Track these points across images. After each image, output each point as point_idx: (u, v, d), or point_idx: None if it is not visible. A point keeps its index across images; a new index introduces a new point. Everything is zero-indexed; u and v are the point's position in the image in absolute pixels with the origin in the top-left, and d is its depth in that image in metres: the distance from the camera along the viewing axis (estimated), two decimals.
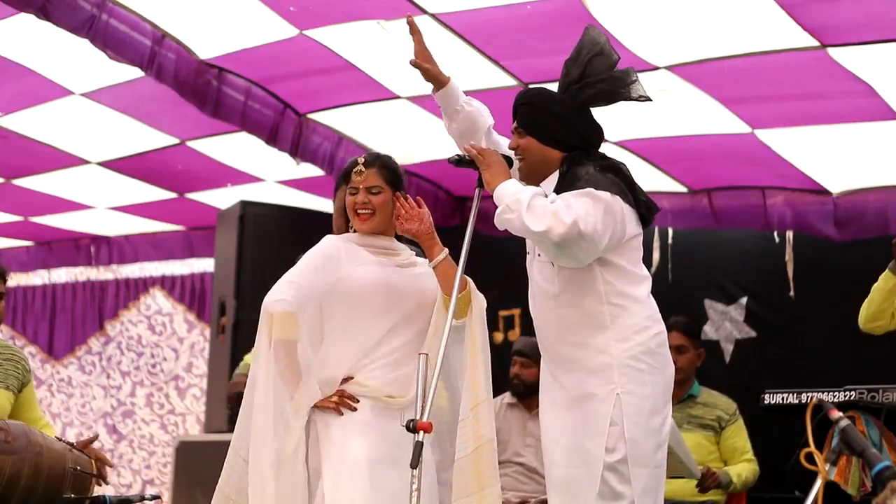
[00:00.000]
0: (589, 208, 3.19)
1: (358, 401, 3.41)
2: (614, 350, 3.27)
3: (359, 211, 3.56)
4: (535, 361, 5.68)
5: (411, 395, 3.38)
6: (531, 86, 5.47)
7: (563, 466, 3.30)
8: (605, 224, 3.21)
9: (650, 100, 3.46)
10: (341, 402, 3.41)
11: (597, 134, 3.51)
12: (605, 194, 3.25)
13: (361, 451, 3.37)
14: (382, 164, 3.60)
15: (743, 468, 5.26)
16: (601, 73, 3.42)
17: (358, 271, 3.50)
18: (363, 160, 3.60)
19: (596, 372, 3.27)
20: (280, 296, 3.43)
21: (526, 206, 3.18)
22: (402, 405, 3.43)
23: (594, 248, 3.22)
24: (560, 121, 3.43)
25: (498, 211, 3.26)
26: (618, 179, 3.33)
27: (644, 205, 3.40)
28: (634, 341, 3.29)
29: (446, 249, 3.51)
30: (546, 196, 3.28)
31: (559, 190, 3.32)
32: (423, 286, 3.55)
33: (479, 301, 3.52)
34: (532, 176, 3.44)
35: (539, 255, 3.42)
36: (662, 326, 3.37)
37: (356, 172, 3.56)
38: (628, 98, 3.44)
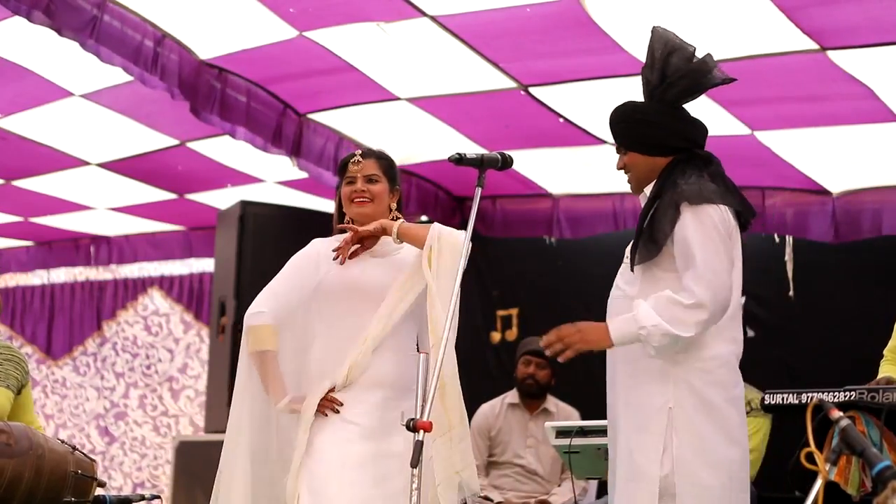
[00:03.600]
0: (709, 252, 3.15)
1: (342, 403, 3.44)
2: (672, 364, 3.21)
3: (356, 199, 3.59)
4: (550, 363, 5.68)
5: (385, 371, 3.42)
6: (529, 88, 5.49)
7: (623, 481, 3.24)
8: (725, 249, 3.19)
9: (734, 79, 3.42)
10: (325, 405, 3.45)
11: (699, 131, 3.44)
12: (712, 210, 3.21)
13: (337, 452, 3.41)
14: (380, 155, 3.67)
15: None
16: (681, 69, 3.36)
17: (334, 270, 3.55)
18: (361, 152, 3.66)
19: (652, 384, 3.22)
20: (257, 308, 3.56)
21: (668, 326, 3.11)
22: (374, 384, 3.44)
23: (728, 284, 3.19)
24: (654, 127, 3.38)
25: (651, 352, 3.18)
26: (721, 185, 3.28)
27: (743, 208, 3.34)
28: (695, 357, 3.21)
29: (398, 221, 3.51)
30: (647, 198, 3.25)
31: (657, 196, 3.28)
32: (403, 268, 3.54)
33: (445, 251, 3.41)
34: (638, 186, 3.41)
35: (626, 257, 3.37)
36: (731, 348, 3.29)
37: (354, 163, 3.61)
38: (712, 85, 3.40)
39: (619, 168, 3.46)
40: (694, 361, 3.22)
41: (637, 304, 3.19)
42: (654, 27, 3.48)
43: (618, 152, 3.47)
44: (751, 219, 3.40)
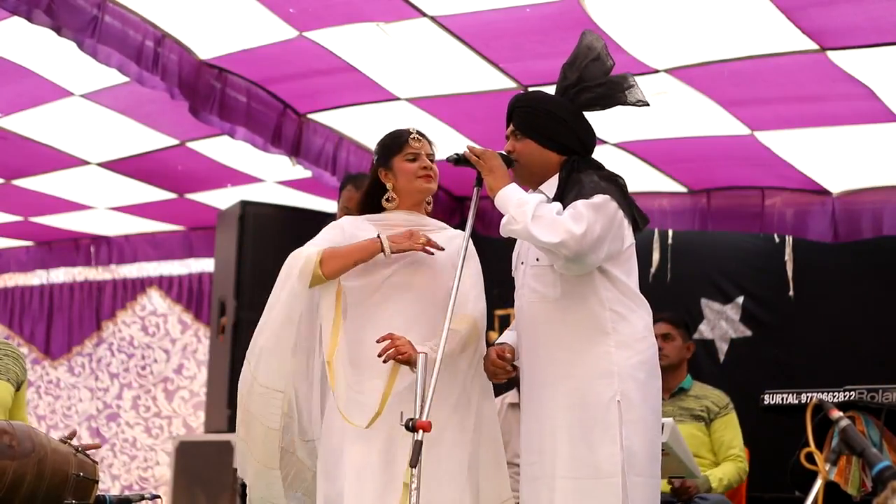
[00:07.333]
0: (599, 216, 3.19)
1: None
2: (616, 357, 3.25)
3: (424, 175, 3.56)
4: None
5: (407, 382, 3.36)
6: (529, 89, 5.50)
7: (573, 478, 3.25)
8: (613, 233, 3.23)
9: (647, 104, 3.45)
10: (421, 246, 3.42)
11: (592, 140, 3.50)
12: (613, 203, 3.25)
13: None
14: (429, 139, 3.65)
15: (726, 470, 5.15)
16: (598, 77, 3.42)
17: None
18: (416, 130, 3.62)
19: (597, 378, 3.25)
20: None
21: (531, 217, 3.16)
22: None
23: (600, 256, 3.23)
24: (561, 123, 3.41)
25: (503, 221, 3.25)
26: (617, 188, 3.33)
27: (638, 216, 3.40)
28: (635, 350, 3.27)
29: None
30: (549, 201, 3.28)
31: (560, 196, 3.31)
32: (435, 256, 3.48)
33: None
34: (528, 180, 3.41)
35: (537, 259, 3.39)
36: (654, 339, 3.39)
37: (415, 139, 3.57)
38: (625, 103, 3.43)
39: (507, 151, 3.45)
40: (634, 354, 3.27)
41: (538, 199, 3.24)
42: (585, 31, 3.53)
43: (510, 136, 3.47)
44: (641, 228, 3.43)
